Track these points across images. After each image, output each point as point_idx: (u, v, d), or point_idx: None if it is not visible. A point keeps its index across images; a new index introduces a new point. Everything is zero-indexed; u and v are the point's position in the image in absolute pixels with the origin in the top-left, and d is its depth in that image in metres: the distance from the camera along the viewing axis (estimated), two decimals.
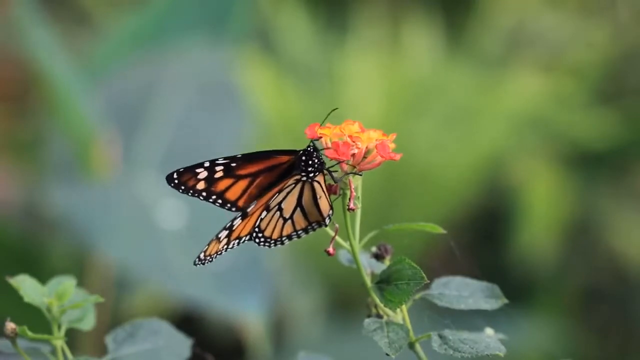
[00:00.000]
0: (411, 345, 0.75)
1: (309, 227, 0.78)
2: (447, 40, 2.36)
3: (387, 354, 0.72)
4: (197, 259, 0.78)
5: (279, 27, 2.33)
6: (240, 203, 0.79)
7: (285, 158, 0.78)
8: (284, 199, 0.78)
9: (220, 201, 0.79)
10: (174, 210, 1.68)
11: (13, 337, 0.75)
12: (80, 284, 0.80)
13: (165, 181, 0.81)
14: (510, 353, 0.75)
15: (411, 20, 2.35)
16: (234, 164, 0.79)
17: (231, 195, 0.79)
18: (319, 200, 0.77)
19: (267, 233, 0.78)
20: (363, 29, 2.35)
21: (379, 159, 0.75)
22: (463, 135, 2.19)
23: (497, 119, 2.19)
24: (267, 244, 0.79)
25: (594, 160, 2.29)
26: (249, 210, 0.78)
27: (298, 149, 0.78)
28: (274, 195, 0.78)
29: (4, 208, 2.04)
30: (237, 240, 0.78)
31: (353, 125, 0.75)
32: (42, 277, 0.81)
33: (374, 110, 2.13)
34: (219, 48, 1.93)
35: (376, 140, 0.75)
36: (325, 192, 0.77)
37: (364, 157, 0.75)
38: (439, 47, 2.33)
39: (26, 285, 0.77)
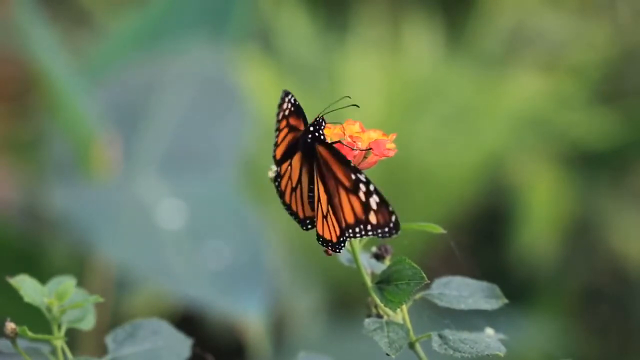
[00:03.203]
0: (411, 345, 0.75)
1: (305, 221, 0.76)
2: (447, 40, 2.36)
3: (387, 354, 0.72)
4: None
5: (279, 27, 2.33)
6: (277, 151, 0.75)
7: (302, 125, 0.76)
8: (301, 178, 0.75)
9: (276, 140, 0.75)
10: (174, 211, 1.68)
11: (13, 337, 0.75)
12: (80, 284, 0.80)
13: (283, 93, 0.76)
14: (510, 353, 0.75)
15: (411, 20, 2.35)
16: (292, 109, 0.76)
17: (278, 138, 0.76)
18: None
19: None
20: (363, 29, 2.35)
21: (375, 157, 0.75)
22: (463, 135, 2.19)
23: (497, 119, 2.19)
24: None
25: (594, 160, 2.29)
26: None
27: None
28: (296, 171, 0.74)
29: (4, 208, 2.04)
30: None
31: (354, 126, 0.75)
32: (42, 277, 0.80)
33: (374, 110, 2.13)
34: (219, 48, 1.93)
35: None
36: None
37: (364, 157, 0.75)
38: (439, 47, 2.33)
39: (26, 285, 0.77)
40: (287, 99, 0.76)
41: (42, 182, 1.87)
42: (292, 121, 0.76)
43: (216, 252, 1.62)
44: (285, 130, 0.76)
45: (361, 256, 0.76)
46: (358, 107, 0.78)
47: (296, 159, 0.75)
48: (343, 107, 0.77)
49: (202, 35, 1.94)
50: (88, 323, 0.79)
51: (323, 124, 0.74)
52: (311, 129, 0.74)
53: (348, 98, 0.77)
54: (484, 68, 2.31)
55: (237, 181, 1.79)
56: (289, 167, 0.75)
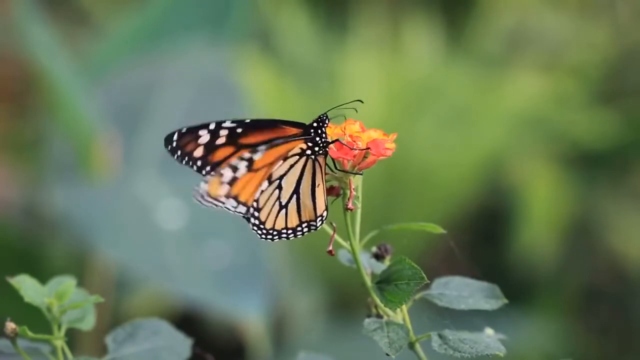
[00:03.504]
0: (411, 345, 0.75)
1: (298, 228, 0.74)
2: (447, 40, 2.36)
3: (387, 354, 0.72)
4: (198, 195, 0.70)
5: (279, 27, 2.33)
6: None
7: (291, 130, 0.74)
8: (286, 172, 0.71)
9: (213, 174, 0.71)
10: (174, 211, 1.68)
11: (13, 337, 0.75)
12: (80, 284, 0.80)
13: (163, 143, 0.73)
14: (510, 353, 0.75)
15: (411, 20, 2.35)
16: (239, 130, 0.72)
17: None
18: (316, 189, 0.73)
19: (262, 216, 0.71)
20: (363, 29, 2.36)
21: (373, 157, 0.75)
22: (463, 135, 2.19)
23: (497, 119, 2.19)
24: (259, 230, 0.72)
25: (594, 160, 2.29)
26: (255, 157, 0.70)
27: (305, 123, 0.73)
28: (277, 161, 0.71)
29: (4, 208, 2.04)
30: (235, 202, 0.70)
31: (354, 125, 0.75)
32: (42, 277, 0.80)
33: (374, 110, 2.13)
34: (219, 48, 1.93)
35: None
36: (324, 180, 0.73)
37: (365, 157, 0.75)
38: (439, 47, 2.33)
39: (26, 285, 0.77)
40: (205, 131, 0.73)
41: (42, 182, 1.87)
42: (251, 139, 0.73)
43: (216, 252, 1.62)
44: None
45: (361, 256, 0.76)
46: (362, 102, 0.77)
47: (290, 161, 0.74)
48: (345, 104, 0.77)
49: (202, 35, 1.94)
50: (88, 323, 0.80)
51: (327, 121, 0.74)
52: (314, 125, 0.74)
53: (359, 102, 0.77)
54: (484, 68, 2.31)
55: None
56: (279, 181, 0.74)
